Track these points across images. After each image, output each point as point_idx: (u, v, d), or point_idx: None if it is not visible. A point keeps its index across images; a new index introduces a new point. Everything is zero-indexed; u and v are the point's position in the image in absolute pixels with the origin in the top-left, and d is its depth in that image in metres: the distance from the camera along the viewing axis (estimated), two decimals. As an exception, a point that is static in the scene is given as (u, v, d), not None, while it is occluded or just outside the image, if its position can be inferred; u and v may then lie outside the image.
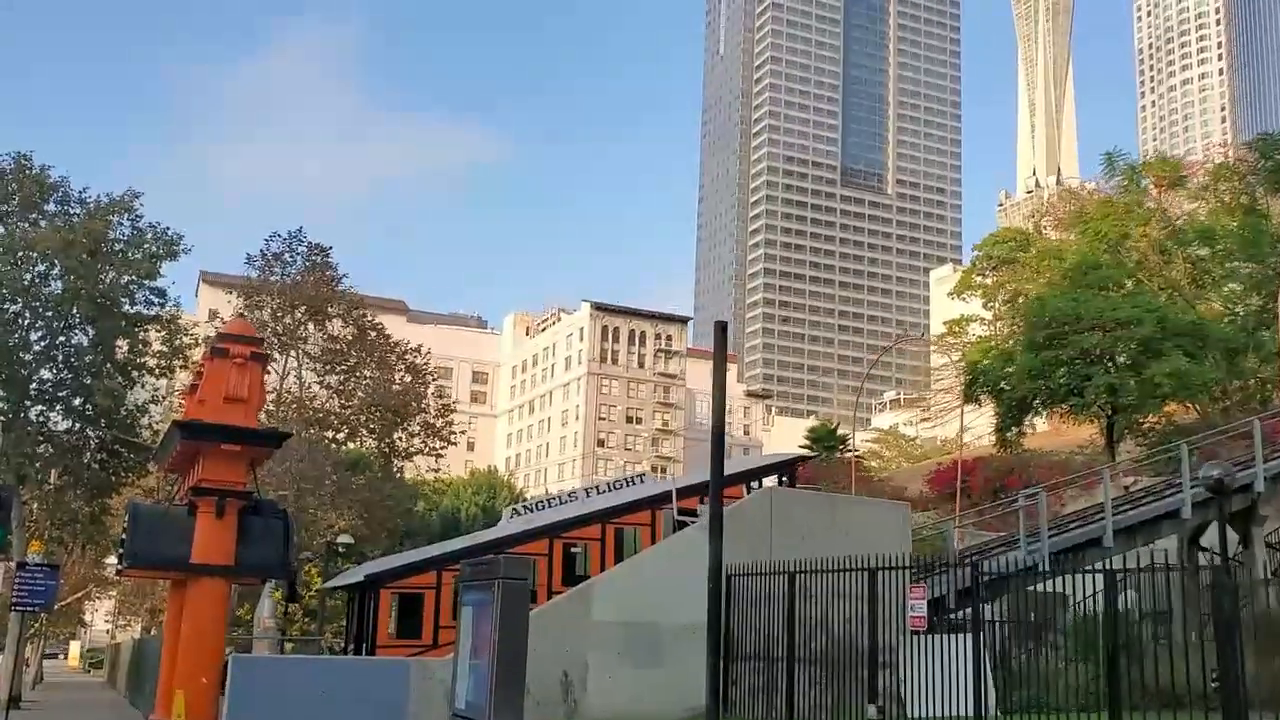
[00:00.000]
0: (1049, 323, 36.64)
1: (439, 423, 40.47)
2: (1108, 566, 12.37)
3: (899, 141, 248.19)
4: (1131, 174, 46.66)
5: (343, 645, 23.16)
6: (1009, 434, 41.03)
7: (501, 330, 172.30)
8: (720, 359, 10.67)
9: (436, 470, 43.22)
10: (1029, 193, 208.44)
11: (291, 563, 18.67)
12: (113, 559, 50.13)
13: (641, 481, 22.73)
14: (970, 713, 14.47)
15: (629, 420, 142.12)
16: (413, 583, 20.50)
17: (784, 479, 23.02)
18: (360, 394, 37.66)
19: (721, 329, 10.93)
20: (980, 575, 14.40)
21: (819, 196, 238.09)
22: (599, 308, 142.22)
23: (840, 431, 79.71)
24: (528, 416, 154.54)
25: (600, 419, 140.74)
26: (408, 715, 16.17)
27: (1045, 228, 66.94)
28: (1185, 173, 48.59)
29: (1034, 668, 15.24)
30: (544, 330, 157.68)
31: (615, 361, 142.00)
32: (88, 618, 73.32)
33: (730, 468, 23.88)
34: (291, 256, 37.41)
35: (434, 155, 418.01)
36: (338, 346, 37.57)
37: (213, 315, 37.73)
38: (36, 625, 42.28)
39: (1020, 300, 46.50)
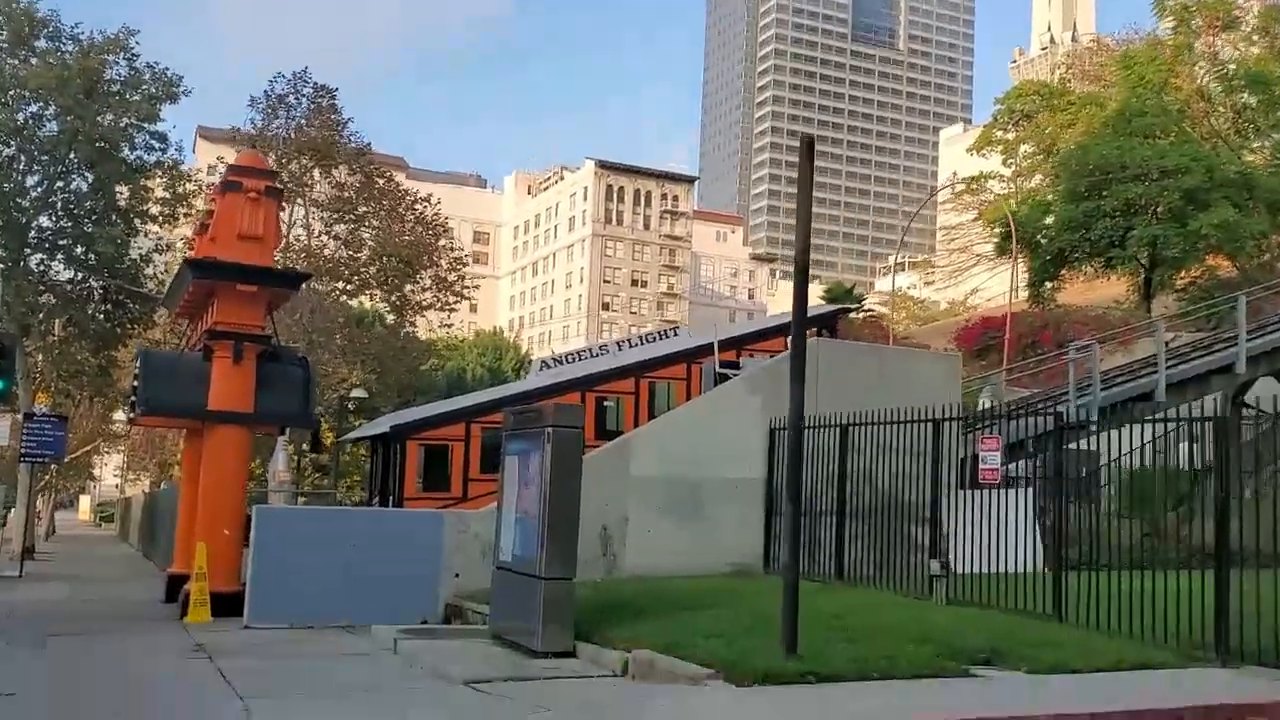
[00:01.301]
0: (1092, 171, 35.08)
1: (450, 276, 39.31)
2: (1217, 414, 11.47)
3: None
4: (1183, 13, 44.20)
5: (366, 498, 22.43)
6: (1043, 289, 39.71)
7: (503, 190, 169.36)
8: (806, 174, 9.46)
9: (449, 325, 42.28)
10: (1044, 49, 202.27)
11: (314, 411, 17.83)
12: (121, 414, 49.75)
13: (675, 334, 21.68)
14: (1032, 568, 13.80)
15: (634, 283, 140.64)
16: (440, 434, 19.63)
17: (823, 333, 21.99)
18: (369, 244, 36.41)
19: (808, 144, 9.67)
20: (1064, 424, 13.43)
21: (829, 53, 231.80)
22: (604, 166, 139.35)
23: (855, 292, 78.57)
24: (531, 278, 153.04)
25: (605, 282, 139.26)
26: (442, 568, 15.45)
27: (1069, 80, 64.83)
28: (1238, 13, 46.07)
29: (1084, 525, 14.47)
30: (546, 189, 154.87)
31: (620, 222, 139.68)
32: (97, 472, 73.43)
33: (767, 322, 22.89)
34: (296, 99, 35.63)
35: (431, 14, 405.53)
36: (345, 194, 36.09)
37: (212, 169, 35.95)
38: (46, 478, 41.98)
39: (1056, 151, 44.65)
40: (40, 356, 33.28)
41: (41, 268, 32.67)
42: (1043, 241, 37.47)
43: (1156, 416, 14.70)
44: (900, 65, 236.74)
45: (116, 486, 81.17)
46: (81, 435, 45.26)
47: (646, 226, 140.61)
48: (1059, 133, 46.32)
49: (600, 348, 21.95)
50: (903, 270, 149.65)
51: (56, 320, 33.18)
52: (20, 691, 9.74)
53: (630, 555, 16.47)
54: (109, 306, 33.49)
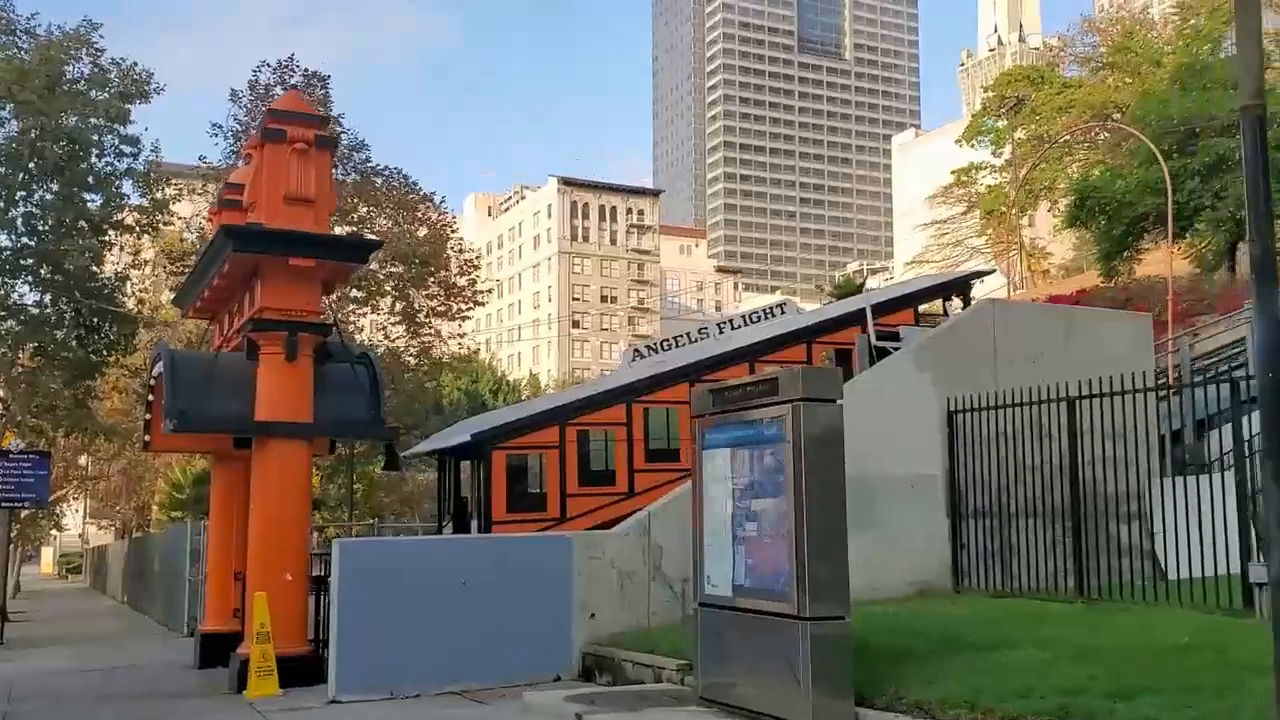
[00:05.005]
0: (1177, 126, 32.16)
1: (461, 281, 35.71)
2: None
3: (855, 3, 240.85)
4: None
5: (437, 525, 18.76)
6: (1116, 261, 36.68)
7: (462, 212, 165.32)
8: (1252, 11, 6.34)
9: (462, 335, 38.60)
10: (991, 50, 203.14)
11: (387, 418, 14.27)
12: (85, 457, 45.34)
13: (781, 313, 18.39)
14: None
15: (604, 299, 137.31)
16: (532, 441, 16.09)
17: (949, 305, 18.82)
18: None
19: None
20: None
21: (776, 64, 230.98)
22: (567, 182, 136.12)
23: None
24: (496, 300, 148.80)
25: (574, 299, 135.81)
26: (574, 607, 12.07)
27: (1063, 63, 64.64)
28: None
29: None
30: (507, 210, 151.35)
31: (586, 239, 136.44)
32: (65, 520, 68.18)
33: (888, 294, 19.76)
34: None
35: (381, 42, 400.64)
36: (344, 193, 32.35)
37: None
38: (18, 527, 37.72)
39: (1114, 115, 42.42)
40: (6, 391, 29.31)
41: (3, 290, 28.78)
42: (1110, 210, 34.25)
43: None
44: (847, 75, 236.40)
45: (79, 535, 76.14)
46: (54, 478, 40.92)
47: (613, 242, 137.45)
48: (1113, 89, 44.71)
49: (700, 331, 18.56)
50: (861, 276, 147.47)
51: (23, 349, 29.20)
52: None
53: (795, 576, 13.11)
54: (82, 331, 29.56)
